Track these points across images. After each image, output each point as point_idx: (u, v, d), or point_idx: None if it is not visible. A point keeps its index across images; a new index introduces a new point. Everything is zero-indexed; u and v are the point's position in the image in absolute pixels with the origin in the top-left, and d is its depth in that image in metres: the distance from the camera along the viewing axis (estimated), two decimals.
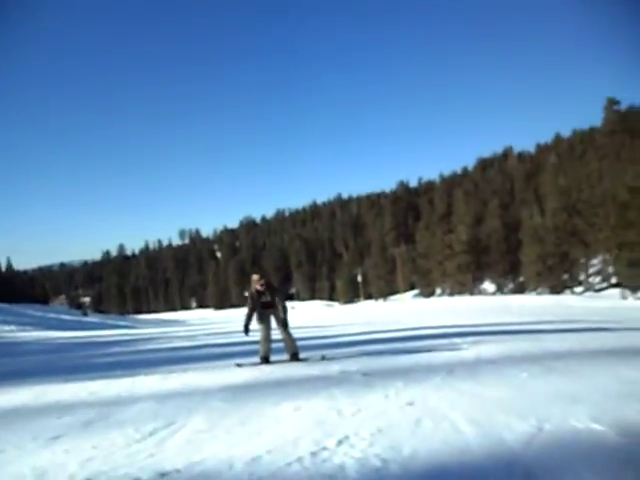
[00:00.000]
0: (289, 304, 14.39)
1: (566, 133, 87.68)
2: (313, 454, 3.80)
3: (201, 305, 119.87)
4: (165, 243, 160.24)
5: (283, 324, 8.92)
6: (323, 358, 9.20)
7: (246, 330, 9.02)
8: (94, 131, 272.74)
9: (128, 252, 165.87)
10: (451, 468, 3.45)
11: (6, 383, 8.82)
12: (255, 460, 3.73)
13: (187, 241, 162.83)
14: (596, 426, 4.16)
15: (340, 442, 4.07)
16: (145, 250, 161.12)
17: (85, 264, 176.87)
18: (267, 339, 9.07)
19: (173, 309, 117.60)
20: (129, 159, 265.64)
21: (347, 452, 3.82)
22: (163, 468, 3.68)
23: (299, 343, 9.68)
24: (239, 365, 8.96)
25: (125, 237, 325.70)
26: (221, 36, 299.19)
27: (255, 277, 8.93)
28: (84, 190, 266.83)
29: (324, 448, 3.94)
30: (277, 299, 8.97)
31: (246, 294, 9.52)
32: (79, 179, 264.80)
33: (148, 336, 24.34)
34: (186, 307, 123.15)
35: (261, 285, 8.87)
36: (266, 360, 9.05)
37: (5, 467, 4.03)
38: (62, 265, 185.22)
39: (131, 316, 72.67)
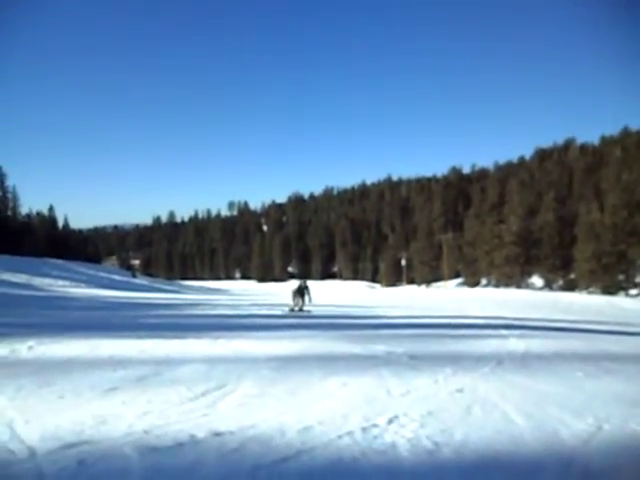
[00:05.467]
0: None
1: (635, 127, 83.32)
2: (364, 430, 3.81)
3: (244, 276, 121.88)
4: (214, 213, 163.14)
5: (304, 299, 17.57)
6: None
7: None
8: (151, 102, 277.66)
9: (178, 219, 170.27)
10: (505, 457, 3.39)
11: (61, 334, 9.17)
12: (307, 429, 3.77)
13: (235, 213, 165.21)
14: None
15: (390, 421, 4.06)
16: (194, 218, 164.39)
17: (137, 228, 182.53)
18: (296, 304, 17.47)
19: (218, 278, 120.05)
20: (181, 131, 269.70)
21: (398, 431, 3.80)
22: (217, 428, 3.77)
23: (345, 321, 9.78)
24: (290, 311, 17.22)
25: (176, 204, 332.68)
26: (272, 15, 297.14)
27: (301, 282, 18.12)
28: (138, 158, 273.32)
29: (374, 425, 3.94)
30: (306, 291, 17.64)
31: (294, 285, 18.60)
32: (134, 148, 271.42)
33: (194, 302, 25.00)
34: (230, 277, 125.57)
35: (304, 282, 18.11)
36: (292, 310, 17.29)
37: (65, 412, 4.20)
38: (115, 227, 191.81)
39: (177, 281, 74.73)
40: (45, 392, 4.85)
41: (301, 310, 17.28)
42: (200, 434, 3.63)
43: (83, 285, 34.50)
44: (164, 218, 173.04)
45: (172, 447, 3.40)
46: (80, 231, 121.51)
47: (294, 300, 17.54)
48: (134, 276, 53.26)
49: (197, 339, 8.79)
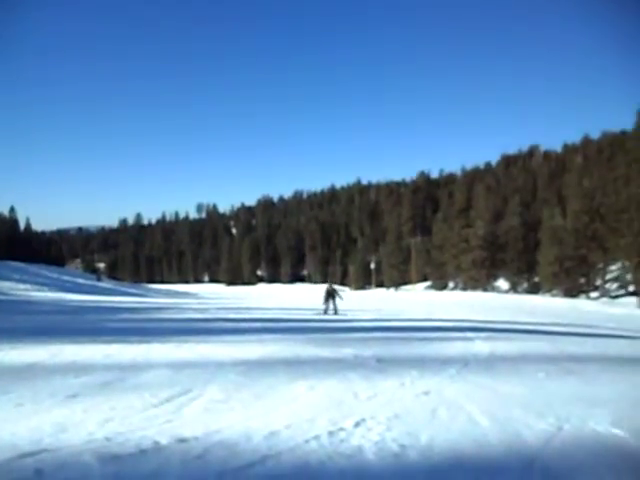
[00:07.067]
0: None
1: (595, 135, 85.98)
2: (331, 433, 3.80)
3: (213, 280, 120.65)
4: (182, 216, 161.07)
5: (335, 303, 18.70)
6: None
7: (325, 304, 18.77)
8: (117, 102, 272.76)
9: (145, 222, 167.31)
10: (469, 459, 3.43)
11: (22, 340, 8.88)
12: (273, 434, 3.74)
13: (204, 215, 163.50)
14: (616, 431, 4.10)
15: (357, 424, 4.06)
16: (162, 221, 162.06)
17: (102, 230, 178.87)
18: (327, 307, 18.56)
19: (186, 281, 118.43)
20: (149, 131, 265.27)
21: (364, 435, 3.81)
22: (181, 434, 3.70)
23: (313, 324, 9.79)
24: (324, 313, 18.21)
25: (143, 207, 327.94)
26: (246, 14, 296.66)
27: (330, 286, 19.32)
28: (104, 159, 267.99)
29: (341, 429, 3.93)
30: (336, 294, 18.76)
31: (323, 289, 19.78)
32: (100, 148, 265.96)
33: (161, 305, 24.59)
34: (198, 280, 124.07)
35: (331, 287, 19.27)
36: (325, 312, 18.24)
37: (23, 420, 4.07)
38: (80, 230, 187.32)
39: (144, 285, 73.46)
40: (2, 400, 4.69)
41: (336, 313, 18.18)
42: (164, 440, 3.56)
43: (46, 289, 33.56)
44: (131, 220, 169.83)
45: (134, 454, 3.32)
46: (43, 233, 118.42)
47: (325, 304, 18.53)
48: (99, 279, 52.05)
49: (163, 343, 8.64)
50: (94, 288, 41.72)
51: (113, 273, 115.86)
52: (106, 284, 49.84)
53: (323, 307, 18.62)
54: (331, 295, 18.54)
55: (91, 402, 4.64)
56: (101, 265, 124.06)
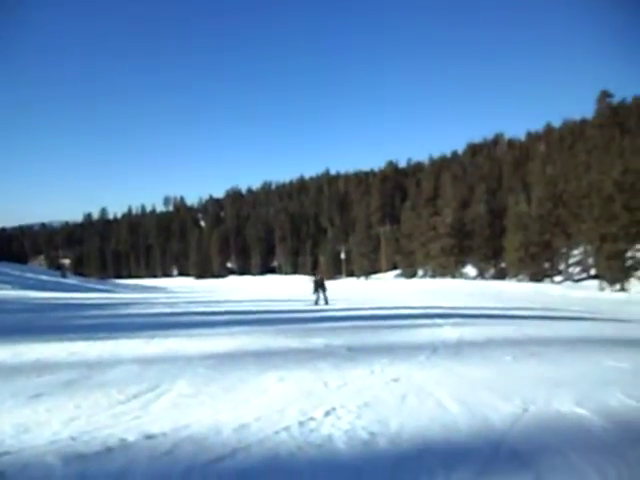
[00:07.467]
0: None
1: (557, 123, 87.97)
2: (301, 424, 3.80)
3: (182, 273, 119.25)
4: (149, 209, 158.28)
5: (324, 293, 18.92)
6: None
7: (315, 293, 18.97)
8: (79, 93, 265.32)
9: (110, 216, 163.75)
10: (438, 444, 3.47)
11: None
12: (243, 427, 3.71)
13: (171, 208, 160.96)
14: (580, 410, 4.21)
15: (327, 413, 4.07)
16: (128, 215, 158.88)
17: (66, 225, 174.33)
18: (318, 298, 18.66)
19: (154, 276, 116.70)
20: (113, 124, 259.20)
21: (334, 423, 3.82)
22: (149, 430, 3.64)
23: (283, 315, 9.77)
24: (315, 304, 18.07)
25: (108, 201, 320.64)
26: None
27: (319, 277, 19.75)
28: (67, 151, 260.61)
29: (311, 418, 3.93)
30: (324, 284, 19.16)
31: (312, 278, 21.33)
32: (63, 140, 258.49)
33: (129, 301, 24.16)
34: (167, 274, 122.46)
35: (320, 277, 19.63)
36: (315, 303, 18.20)
37: None
38: (43, 225, 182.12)
39: (111, 280, 72.06)
40: None
41: (326, 303, 18.43)
42: (131, 438, 3.50)
43: (8, 287, 32.53)
44: (96, 215, 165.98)
45: (100, 453, 3.25)
46: (4, 229, 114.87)
47: (315, 294, 18.91)
48: (64, 276, 50.78)
49: (130, 339, 8.49)
50: (59, 285, 40.68)
51: (79, 269, 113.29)
52: (72, 280, 48.65)
53: (313, 297, 18.90)
54: (320, 285, 18.98)
55: (55, 401, 4.52)
56: (66, 261, 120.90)
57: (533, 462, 3.15)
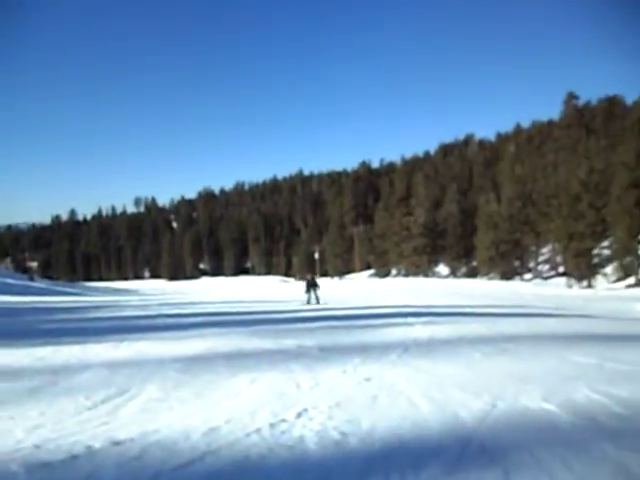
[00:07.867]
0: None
1: (526, 124, 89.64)
2: (272, 425, 3.77)
3: (154, 275, 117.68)
4: (119, 210, 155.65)
5: (316, 292, 19.55)
6: None
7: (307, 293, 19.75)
8: (49, 93, 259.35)
9: (79, 217, 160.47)
10: (409, 442, 3.48)
11: None
12: (213, 430, 3.67)
13: (142, 210, 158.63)
14: (547, 405, 4.29)
15: (299, 414, 4.05)
16: (98, 216, 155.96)
17: (33, 227, 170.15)
18: (309, 297, 19.37)
19: (125, 278, 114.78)
20: (82, 124, 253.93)
21: (306, 424, 3.80)
22: (117, 437, 3.57)
23: (256, 317, 9.72)
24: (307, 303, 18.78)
25: (77, 202, 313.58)
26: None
27: (311, 277, 20.62)
28: (34, 152, 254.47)
29: (283, 420, 3.91)
30: (316, 284, 19.81)
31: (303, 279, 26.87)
32: (29, 141, 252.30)
33: (99, 304, 23.71)
34: (139, 277, 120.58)
35: (311, 277, 20.53)
36: (307, 302, 18.96)
37: None
38: (9, 227, 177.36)
39: (81, 283, 70.68)
40: None
41: (318, 302, 19.05)
42: (97, 444, 3.42)
43: None
44: (64, 216, 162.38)
45: (65, 460, 3.16)
46: None
47: (307, 294, 19.61)
48: (32, 279, 49.63)
49: (99, 343, 8.32)
50: (27, 288, 39.69)
51: (47, 272, 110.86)
52: (40, 284, 47.55)
53: (305, 297, 19.60)
54: (312, 285, 19.65)
55: (19, 408, 4.39)
56: (33, 264, 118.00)
57: (501, 458, 3.18)
